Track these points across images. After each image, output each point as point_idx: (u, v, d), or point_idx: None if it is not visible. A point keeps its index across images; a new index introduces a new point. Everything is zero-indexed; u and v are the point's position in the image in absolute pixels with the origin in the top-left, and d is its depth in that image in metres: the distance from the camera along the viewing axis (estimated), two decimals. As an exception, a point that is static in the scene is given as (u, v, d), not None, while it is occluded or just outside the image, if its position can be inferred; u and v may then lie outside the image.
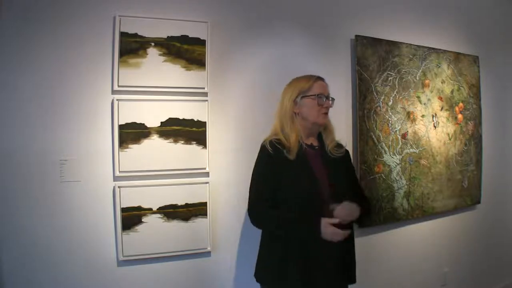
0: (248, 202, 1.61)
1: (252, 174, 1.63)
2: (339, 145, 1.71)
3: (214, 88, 1.95)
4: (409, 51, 2.55)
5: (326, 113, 1.64)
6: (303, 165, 1.58)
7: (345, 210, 1.47)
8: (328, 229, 1.44)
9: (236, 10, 2.04)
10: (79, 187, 1.71)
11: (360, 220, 1.62)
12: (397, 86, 2.49)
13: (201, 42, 1.89)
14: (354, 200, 1.58)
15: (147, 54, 1.80)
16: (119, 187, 1.75)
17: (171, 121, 1.84)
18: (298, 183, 1.54)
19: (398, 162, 2.48)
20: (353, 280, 1.64)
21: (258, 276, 1.66)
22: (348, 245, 1.59)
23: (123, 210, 1.75)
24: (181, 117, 1.86)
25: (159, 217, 1.82)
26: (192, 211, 1.88)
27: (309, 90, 1.62)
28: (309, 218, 1.48)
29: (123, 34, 1.76)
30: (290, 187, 1.54)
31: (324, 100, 1.61)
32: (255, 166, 1.63)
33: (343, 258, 1.57)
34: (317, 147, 1.67)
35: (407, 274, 2.61)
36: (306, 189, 1.54)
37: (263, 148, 1.61)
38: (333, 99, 1.66)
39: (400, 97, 2.50)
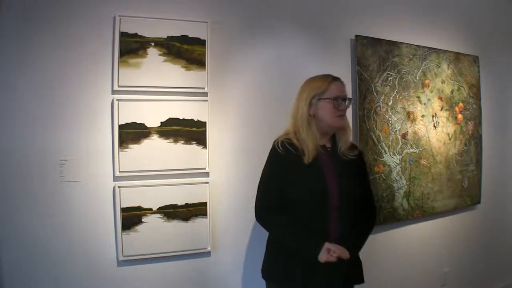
0: (256, 202, 1.60)
1: (262, 173, 1.62)
2: (353, 147, 1.65)
3: (214, 88, 1.95)
4: (409, 51, 2.55)
5: (343, 115, 1.59)
6: (313, 167, 1.54)
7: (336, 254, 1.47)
8: (324, 255, 1.45)
9: (236, 10, 2.04)
10: (79, 187, 1.71)
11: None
12: (397, 86, 2.49)
13: (201, 42, 1.89)
14: (360, 211, 1.60)
15: (147, 54, 1.80)
16: (119, 187, 1.75)
17: (171, 121, 1.84)
18: (307, 185, 1.52)
19: (398, 162, 2.48)
20: (361, 280, 1.64)
21: (265, 273, 1.65)
22: None
23: (123, 210, 1.75)
24: (181, 117, 1.86)
25: (159, 217, 1.82)
26: (192, 211, 1.88)
27: (325, 92, 1.56)
28: (313, 240, 1.49)
29: (123, 34, 1.75)
30: (298, 189, 1.53)
31: (340, 102, 1.56)
32: (265, 165, 1.62)
33: (347, 260, 1.53)
34: (329, 149, 1.62)
35: (407, 274, 2.61)
36: (313, 191, 1.52)
37: (273, 148, 1.59)
38: (350, 100, 1.61)
39: (400, 97, 2.50)
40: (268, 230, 1.63)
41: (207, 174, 1.92)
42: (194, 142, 1.88)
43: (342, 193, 1.54)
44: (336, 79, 1.60)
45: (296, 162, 1.53)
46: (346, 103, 1.59)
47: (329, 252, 1.45)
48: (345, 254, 1.47)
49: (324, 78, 1.59)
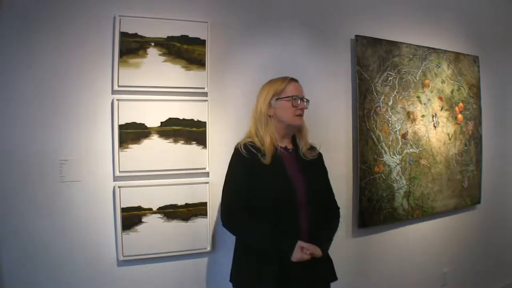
0: (222, 204, 1.60)
1: (226, 177, 1.62)
2: (312, 148, 1.71)
3: (214, 88, 1.95)
4: (409, 51, 2.55)
5: (301, 115, 1.63)
6: (277, 169, 1.57)
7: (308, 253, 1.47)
8: (297, 254, 1.45)
9: (236, 10, 2.04)
10: (79, 187, 1.71)
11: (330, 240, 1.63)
12: (397, 86, 2.49)
13: (201, 42, 1.89)
14: (325, 208, 1.63)
15: (147, 54, 1.80)
16: (119, 187, 1.75)
17: (171, 121, 1.84)
18: (272, 187, 1.54)
19: (398, 162, 2.48)
20: (333, 278, 1.64)
21: (235, 279, 1.65)
22: None
23: (123, 210, 1.75)
24: (181, 117, 1.86)
25: (159, 217, 1.82)
26: (192, 211, 1.88)
27: (283, 92, 1.61)
28: (285, 240, 1.48)
29: (123, 34, 1.75)
30: (264, 191, 1.54)
31: (298, 101, 1.61)
32: (228, 169, 1.63)
33: (319, 258, 1.53)
34: (291, 150, 1.66)
35: (407, 274, 2.61)
36: (280, 192, 1.53)
37: (236, 151, 1.61)
38: (307, 101, 1.66)
39: (400, 97, 2.50)
40: (237, 232, 1.62)
41: (207, 174, 1.92)
42: (194, 142, 1.88)
43: (308, 191, 1.56)
44: (293, 80, 1.66)
45: (260, 163, 1.55)
46: (304, 102, 1.64)
47: (303, 250, 1.46)
48: (317, 251, 1.49)
49: (283, 79, 1.65)
